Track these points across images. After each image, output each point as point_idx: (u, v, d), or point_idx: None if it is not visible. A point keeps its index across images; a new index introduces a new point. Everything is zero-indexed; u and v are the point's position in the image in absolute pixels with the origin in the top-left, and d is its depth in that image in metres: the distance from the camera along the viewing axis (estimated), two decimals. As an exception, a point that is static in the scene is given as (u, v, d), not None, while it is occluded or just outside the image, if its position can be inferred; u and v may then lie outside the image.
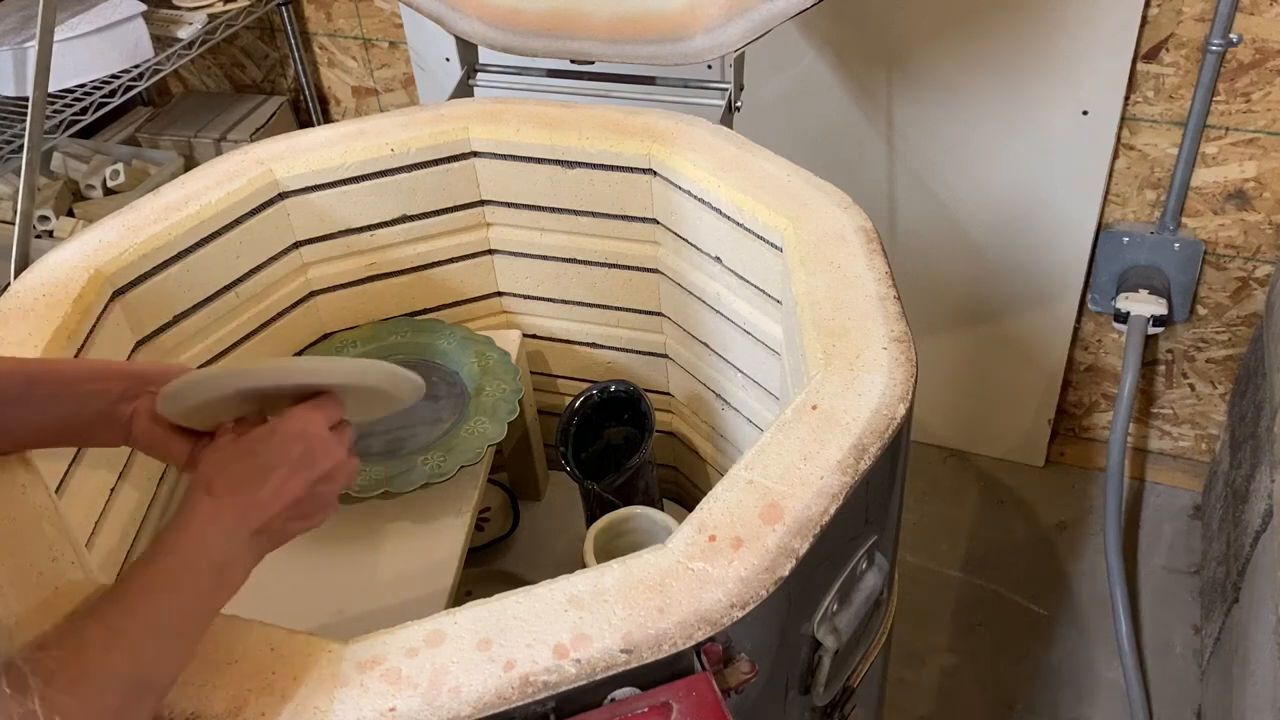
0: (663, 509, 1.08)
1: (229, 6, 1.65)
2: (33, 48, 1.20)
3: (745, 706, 0.68)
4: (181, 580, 0.60)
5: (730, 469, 0.71)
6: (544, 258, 1.16)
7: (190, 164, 1.73)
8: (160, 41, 1.57)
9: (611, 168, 1.05)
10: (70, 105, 1.42)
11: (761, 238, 0.94)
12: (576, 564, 0.90)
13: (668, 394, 1.25)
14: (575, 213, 1.10)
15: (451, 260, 1.16)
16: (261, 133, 1.82)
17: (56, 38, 1.30)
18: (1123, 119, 1.41)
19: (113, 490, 0.89)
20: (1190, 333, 1.58)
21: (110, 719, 0.54)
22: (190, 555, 0.61)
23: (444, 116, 1.09)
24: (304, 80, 1.86)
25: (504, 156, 1.08)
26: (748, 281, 0.99)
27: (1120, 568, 1.52)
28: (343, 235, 1.10)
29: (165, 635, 0.59)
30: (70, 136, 1.53)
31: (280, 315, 1.10)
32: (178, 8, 1.63)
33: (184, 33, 1.59)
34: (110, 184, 1.64)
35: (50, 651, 0.54)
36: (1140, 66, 1.38)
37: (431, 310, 1.19)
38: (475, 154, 1.09)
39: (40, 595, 0.64)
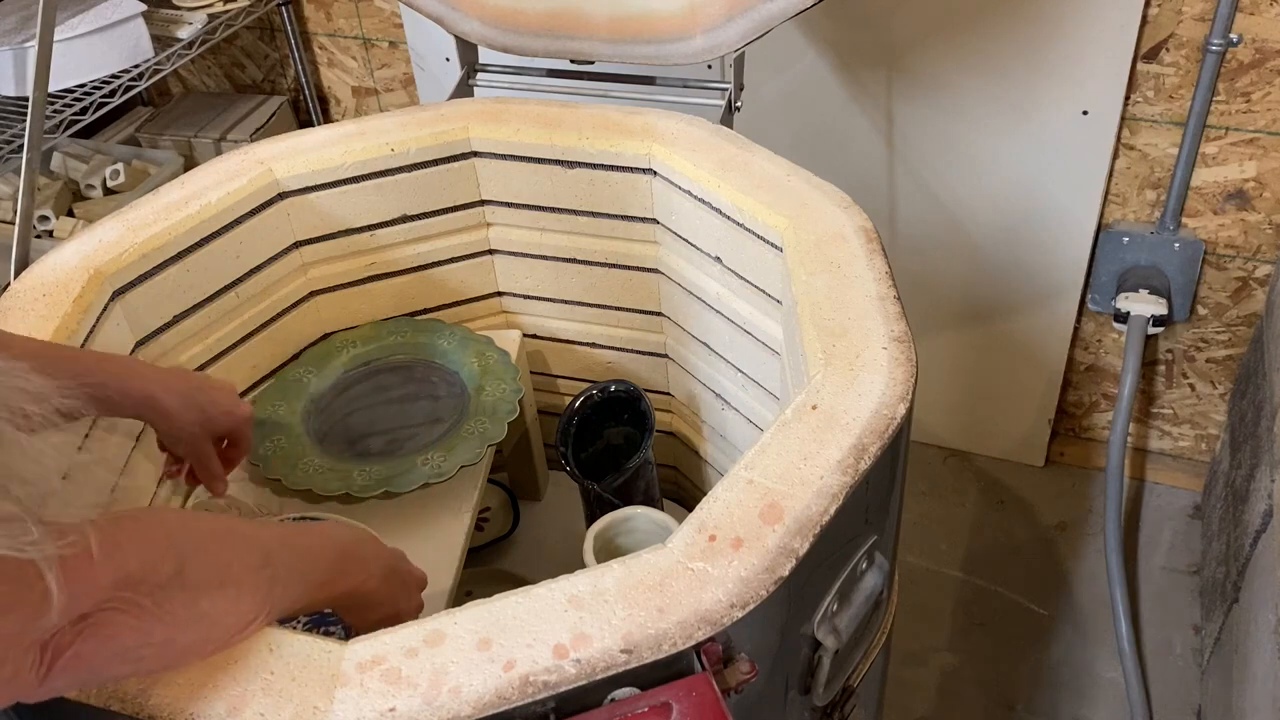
0: (663, 509, 1.08)
1: (229, 6, 1.65)
2: (33, 48, 1.20)
3: (745, 706, 0.68)
4: (314, 541, 0.72)
5: (730, 469, 0.71)
6: (544, 258, 1.16)
7: (190, 164, 1.73)
8: (160, 41, 1.57)
9: (611, 168, 1.05)
10: (70, 105, 1.42)
11: (761, 238, 0.94)
12: (576, 564, 0.90)
13: (668, 394, 1.25)
14: (575, 213, 1.10)
15: (451, 260, 1.16)
16: (261, 133, 1.82)
17: (56, 38, 1.30)
18: (1123, 119, 1.41)
19: (113, 490, 0.89)
20: (1190, 333, 1.58)
21: (225, 549, 0.63)
22: (322, 533, 0.75)
23: (444, 116, 1.09)
24: (304, 80, 1.86)
25: (504, 156, 1.08)
26: (748, 281, 0.99)
27: (1120, 568, 1.52)
28: (343, 235, 1.10)
29: (285, 545, 0.68)
30: (70, 136, 1.53)
31: (280, 315, 1.10)
32: (178, 8, 1.63)
33: (184, 33, 1.59)
34: (110, 184, 1.64)
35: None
36: (1140, 66, 1.38)
37: (431, 310, 1.19)
38: (475, 154, 1.09)
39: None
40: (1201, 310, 1.55)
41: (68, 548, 0.49)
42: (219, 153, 1.67)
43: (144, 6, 1.51)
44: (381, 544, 0.79)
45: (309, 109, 1.91)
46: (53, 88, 1.36)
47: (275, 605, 0.64)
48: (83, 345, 0.87)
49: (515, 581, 1.18)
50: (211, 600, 0.60)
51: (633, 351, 1.22)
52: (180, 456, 0.89)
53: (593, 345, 1.23)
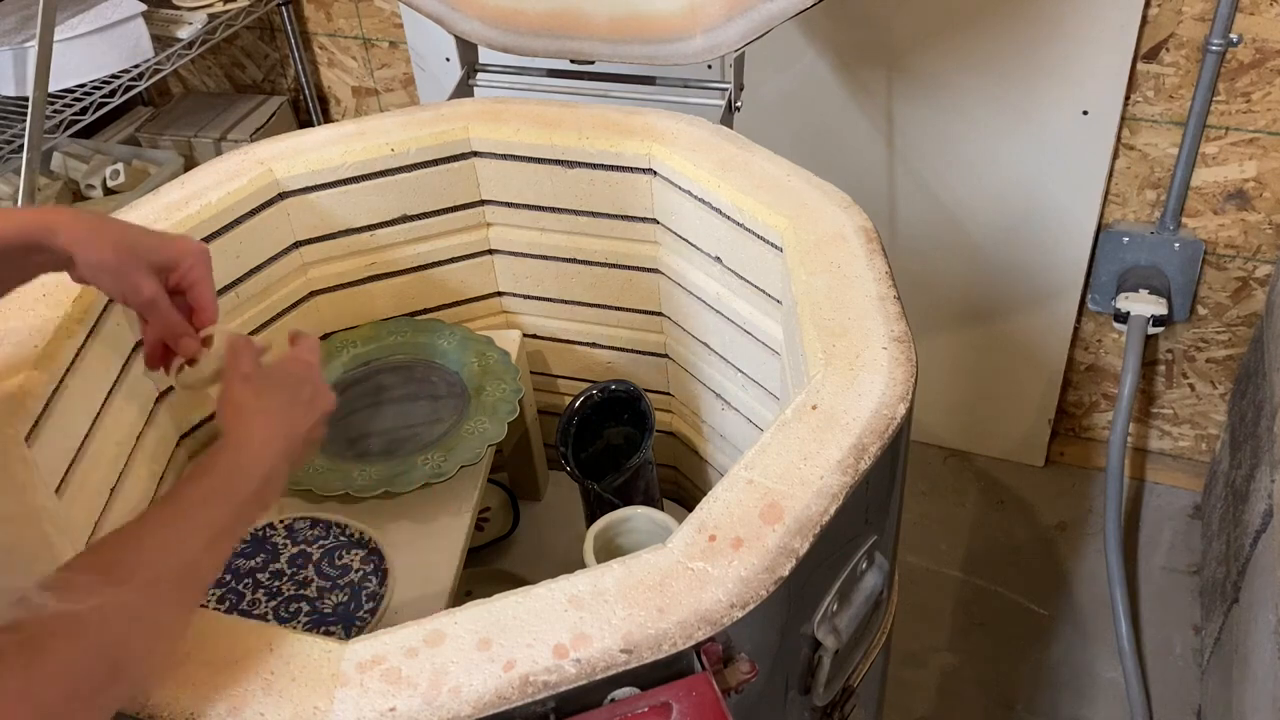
0: (663, 509, 1.08)
1: (229, 6, 1.65)
2: (33, 48, 1.20)
3: (745, 706, 0.68)
4: (236, 489, 0.67)
5: (730, 469, 0.71)
6: (544, 258, 1.16)
7: (190, 164, 1.73)
8: (160, 41, 1.57)
9: (611, 168, 1.05)
10: (70, 105, 1.42)
11: (761, 238, 0.94)
12: (576, 564, 0.90)
13: (668, 394, 1.25)
14: (575, 213, 1.10)
15: (451, 260, 1.16)
16: (261, 133, 1.82)
17: (56, 38, 1.30)
18: (1123, 119, 1.41)
19: (113, 490, 0.89)
20: (1190, 333, 1.58)
21: (162, 608, 0.60)
22: (246, 468, 0.68)
23: (444, 116, 1.09)
24: (304, 80, 1.86)
25: (504, 156, 1.08)
26: (748, 281, 0.99)
27: (1120, 568, 1.52)
28: (343, 235, 1.10)
29: (217, 538, 0.64)
30: (70, 136, 1.53)
31: (280, 315, 1.10)
32: (178, 8, 1.63)
33: (184, 33, 1.60)
34: (110, 184, 1.64)
35: (104, 552, 0.60)
36: (1140, 66, 1.38)
37: (431, 310, 1.19)
38: (475, 154, 1.09)
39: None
40: (1201, 310, 1.55)
41: None
42: (219, 153, 1.67)
43: (144, 6, 1.51)
44: (272, 433, 0.71)
45: (309, 109, 1.91)
46: (53, 88, 1.36)
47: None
48: (83, 345, 0.87)
49: (515, 581, 1.18)
50: (156, 657, 0.60)
51: (633, 351, 1.22)
52: (120, 301, 0.77)
53: (593, 345, 1.23)
